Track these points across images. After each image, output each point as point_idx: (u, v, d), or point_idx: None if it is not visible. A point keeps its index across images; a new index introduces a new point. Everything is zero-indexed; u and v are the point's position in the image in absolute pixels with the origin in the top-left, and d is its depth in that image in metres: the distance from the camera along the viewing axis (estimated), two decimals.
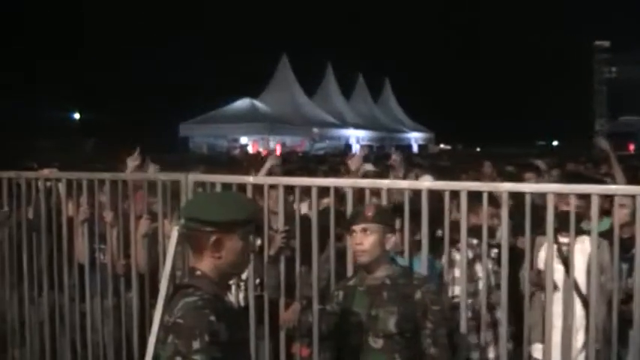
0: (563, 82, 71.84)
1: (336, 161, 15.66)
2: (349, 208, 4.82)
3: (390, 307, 3.85)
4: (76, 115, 51.73)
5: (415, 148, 60.41)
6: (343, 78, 58.59)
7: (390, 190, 4.79)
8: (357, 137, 52.12)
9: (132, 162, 7.18)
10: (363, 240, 3.91)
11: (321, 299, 4.96)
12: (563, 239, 4.76)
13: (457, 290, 4.86)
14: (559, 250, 4.87)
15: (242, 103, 45.79)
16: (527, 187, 4.51)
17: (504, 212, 4.45)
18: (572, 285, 4.72)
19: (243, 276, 5.51)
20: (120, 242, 5.97)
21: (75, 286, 6.13)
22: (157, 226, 5.68)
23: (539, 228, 4.63)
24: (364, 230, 3.91)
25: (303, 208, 5.60)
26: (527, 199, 4.42)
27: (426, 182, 4.71)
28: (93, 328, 6.15)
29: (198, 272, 2.93)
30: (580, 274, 4.84)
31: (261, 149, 41.77)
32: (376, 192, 4.88)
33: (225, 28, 63.24)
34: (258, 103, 46.70)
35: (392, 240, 3.98)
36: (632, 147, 59.80)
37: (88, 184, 6.02)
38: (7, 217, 6.43)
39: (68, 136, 41.34)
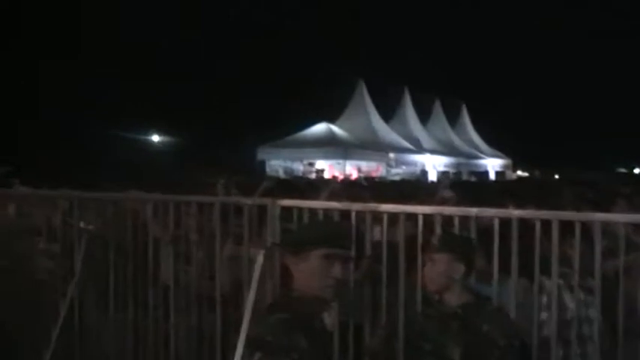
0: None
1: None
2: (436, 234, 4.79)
3: (457, 338, 3.81)
4: (154, 137, 52.73)
5: (492, 175, 59.61)
6: (420, 103, 58.33)
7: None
8: (433, 163, 51.72)
9: (221, 187, 7.31)
10: (431, 269, 3.91)
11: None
12: None
13: (544, 316, 4.74)
14: None
15: (319, 128, 45.95)
16: (622, 217, 4.38)
17: (597, 242, 4.35)
18: None
19: None
20: (205, 264, 6.05)
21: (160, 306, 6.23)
22: (241, 250, 5.74)
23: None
24: (431, 259, 3.90)
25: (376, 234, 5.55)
26: (621, 230, 4.33)
27: (516, 211, 4.62)
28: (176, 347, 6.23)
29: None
30: None
31: (337, 173, 41.83)
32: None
33: (303, 52, 63.75)
34: (335, 128, 46.81)
35: (461, 269, 3.90)
36: None
37: (175, 206, 6.12)
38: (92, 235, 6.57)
39: (147, 157, 42.18)
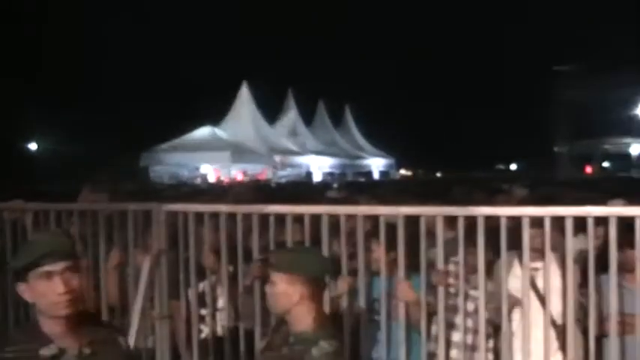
0: (522, 107, 72.85)
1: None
2: (324, 235, 4.81)
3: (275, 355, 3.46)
4: (32, 146, 51.00)
5: (376, 175, 60.62)
6: (304, 104, 58.71)
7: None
8: (318, 165, 52.16)
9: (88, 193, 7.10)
10: (271, 289, 3.44)
11: None
12: (534, 264, 4.74)
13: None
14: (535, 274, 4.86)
15: (203, 132, 45.61)
16: (503, 211, 4.51)
17: (480, 236, 4.47)
18: (547, 310, 4.73)
19: (219, 305, 5.46)
20: (89, 274, 5.86)
21: None
22: (127, 257, 5.59)
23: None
24: (272, 282, 3.43)
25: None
26: (503, 223, 4.45)
27: (403, 208, 4.68)
28: None
29: None
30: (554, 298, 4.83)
31: (222, 178, 41.61)
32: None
33: (185, 55, 63.03)
34: (219, 131, 46.55)
35: (303, 290, 3.37)
36: (588, 169, 60.73)
37: (55, 216, 5.90)
38: None
39: (22, 166, 40.70)
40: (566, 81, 62.33)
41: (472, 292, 4.89)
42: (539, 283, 4.80)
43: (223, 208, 5.18)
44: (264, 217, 5.05)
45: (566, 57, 65.04)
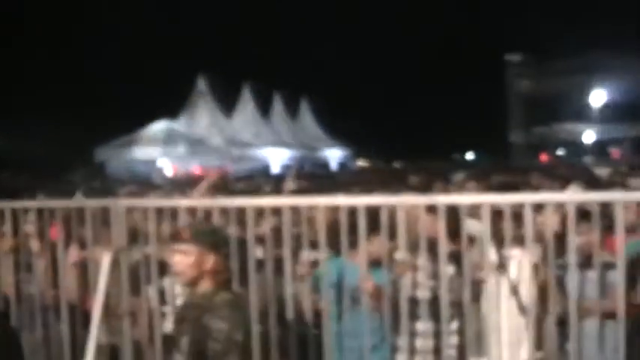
0: (476, 96, 73.42)
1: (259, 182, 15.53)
2: (285, 228, 4.81)
3: (186, 326, 3.89)
4: None
5: (334, 166, 60.68)
6: (260, 97, 58.49)
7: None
8: (275, 157, 52.09)
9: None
10: (183, 260, 3.90)
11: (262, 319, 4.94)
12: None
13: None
14: (501, 261, 4.90)
15: (159, 126, 45.21)
16: (463, 199, 4.54)
17: (441, 224, 4.50)
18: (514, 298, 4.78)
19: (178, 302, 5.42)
20: (48, 272, 5.78)
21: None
22: (86, 254, 5.54)
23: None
24: (179, 251, 3.91)
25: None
26: (463, 211, 4.48)
27: (364, 198, 4.70)
28: None
29: None
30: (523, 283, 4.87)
31: (180, 172, 41.30)
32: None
33: (140, 48, 62.36)
34: (175, 125, 46.21)
35: (210, 260, 3.90)
36: (544, 157, 61.52)
37: (11, 213, 5.82)
38: None
39: None
40: (518, 69, 63.13)
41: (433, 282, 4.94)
42: (513, 270, 4.86)
43: (183, 202, 5.15)
44: (225, 212, 5.04)
45: (517, 45, 65.73)
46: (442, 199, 4.50)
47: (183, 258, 3.87)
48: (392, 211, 4.65)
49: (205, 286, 3.89)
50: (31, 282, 5.95)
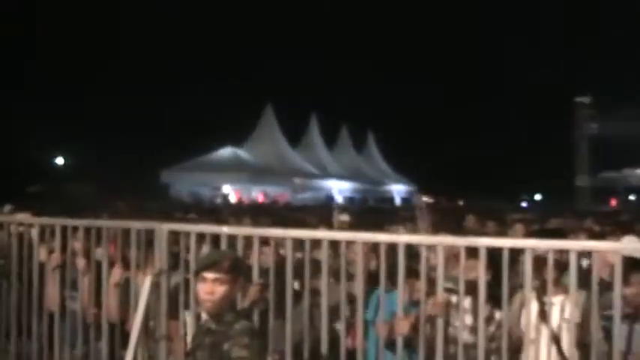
0: (546, 139, 72.54)
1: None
2: (324, 260, 4.76)
3: (204, 352, 3.87)
4: (59, 160, 51.52)
5: (398, 201, 60.40)
6: (327, 128, 58.81)
7: None
8: (339, 189, 52.14)
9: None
10: (215, 289, 3.86)
11: (295, 354, 4.88)
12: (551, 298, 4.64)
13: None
14: (543, 309, 4.75)
15: (225, 152, 45.83)
16: (505, 243, 4.42)
17: (482, 266, 4.39)
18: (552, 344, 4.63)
19: None
20: (92, 290, 5.84)
21: (44, 335, 5.99)
22: (129, 275, 5.58)
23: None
24: (216, 280, 3.86)
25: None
26: (505, 254, 4.36)
27: (404, 236, 4.64)
28: None
29: None
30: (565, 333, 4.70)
31: (243, 198, 41.67)
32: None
33: (210, 76, 63.39)
34: (241, 152, 46.76)
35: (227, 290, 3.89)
36: (614, 202, 60.18)
37: (61, 230, 5.91)
38: None
39: (52, 180, 41.00)
40: (588, 111, 62.04)
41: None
42: (554, 318, 4.72)
43: (225, 229, 5.15)
44: (265, 240, 5.03)
45: (587, 88, 64.70)
46: (482, 241, 4.39)
47: (217, 287, 3.84)
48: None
49: (229, 314, 3.88)
50: (76, 299, 6.03)
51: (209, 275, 3.84)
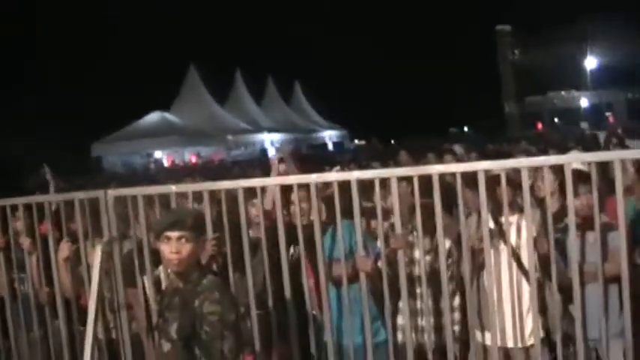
0: (469, 69, 73.22)
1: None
2: (277, 207, 4.71)
3: (174, 313, 3.79)
4: None
5: (330, 147, 60.54)
6: (253, 83, 58.31)
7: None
8: (271, 141, 51.94)
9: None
10: (181, 248, 3.77)
11: (259, 304, 4.85)
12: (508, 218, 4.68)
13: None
14: (500, 229, 4.79)
15: (153, 117, 45.08)
16: (458, 167, 4.42)
17: (436, 194, 4.38)
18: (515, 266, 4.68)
19: None
20: (41, 269, 5.68)
21: None
22: (77, 248, 5.43)
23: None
24: (180, 238, 3.76)
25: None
26: (458, 179, 4.36)
27: (355, 172, 4.61)
28: None
29: None
30: (524, 250, 4.76)
31: (177, 162, 41.25)
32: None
33: (129, 40, 62.08)
34: (169, 116, 46.07)
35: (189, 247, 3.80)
36: (540, 126, 61.43)
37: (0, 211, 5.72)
38: None
39: None
40: (510, 39, 62.87)
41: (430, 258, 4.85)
42: (512, 237, 4.76)
43: (174, 188, 5.04)
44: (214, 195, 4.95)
45: (507, 16, 65.43)
46: (436, 168, 4.38)
47: (181, 246, 3.75)
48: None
49: (195, 272, 3.82)
50: (25, 280, 5.86)
51: (173, 234, 3.74)
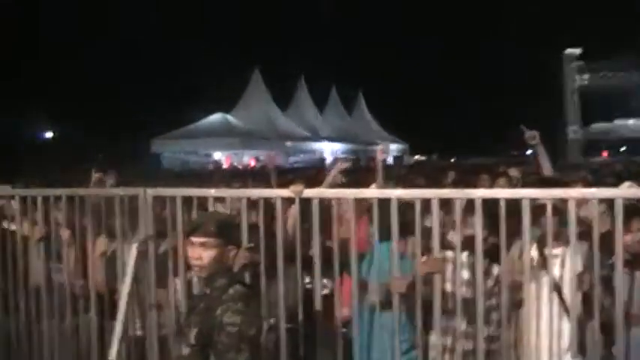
0: (535, 92, 72.29)
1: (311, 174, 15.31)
2: (315, 220, 4.60)
3: (197, 318, 3.70)
4: (48, 134, 51.31)
5: (390, 160, 60.31)
6: (316, 90, 58.48)
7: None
8: (331, 150, 51.95)
9: (95, 175, 6.99)
10: (202, 253, 3.68)
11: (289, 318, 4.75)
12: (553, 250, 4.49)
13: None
14: (544, 261, 4.59)
15: (215, 118, 45.49)
16: (501, 193, 4.26)
17: (478, 219, 4.23)
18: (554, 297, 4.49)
19: None
20: (77, 261, 5.68)
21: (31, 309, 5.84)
22: (115, 244, 5.41)
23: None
24: (202, 244, 3.67)
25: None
26: (502, 205, 4.20)
27: (397, 191, 4.47)
28: (51, 351, 5.86)
29: None
30: (567, 285, 4.55)
31: (235, 164, 41.50)
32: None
33: (197, 43, 62.87)
34: (230, 118, 46.43)
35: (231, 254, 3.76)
36: (605, 154, 60.16)
37: (43, 201, 5.73)
38: None
39: (40, 153, 40.67)
40: (578, 63, 61.72)
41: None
42: (556, 270, 4.57)
43: (212, 192, 4.97)
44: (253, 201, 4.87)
45: (577, 39, 64.26)
46: (479, 193, 4.23)
47: (203, 252, 3.66)
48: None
49: (222, 279, 3.71)
50: (61, 271, 5.86)
51: (196, 239, 3.65)
